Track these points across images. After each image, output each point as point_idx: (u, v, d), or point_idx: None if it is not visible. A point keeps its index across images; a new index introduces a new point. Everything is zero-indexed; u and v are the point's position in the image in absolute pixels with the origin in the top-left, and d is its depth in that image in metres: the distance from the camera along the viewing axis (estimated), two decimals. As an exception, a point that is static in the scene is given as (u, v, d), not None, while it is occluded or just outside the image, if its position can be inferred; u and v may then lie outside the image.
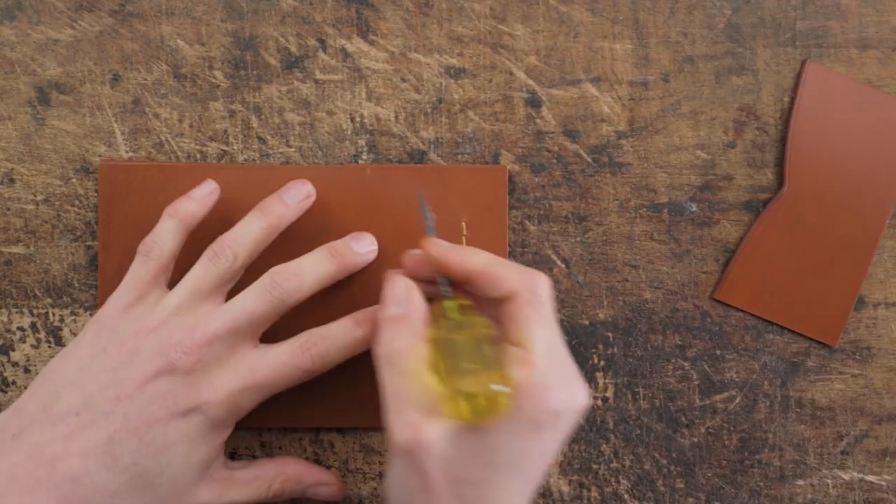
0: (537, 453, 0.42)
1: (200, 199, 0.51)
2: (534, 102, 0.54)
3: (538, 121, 0.54)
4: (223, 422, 0.47)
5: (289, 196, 0.51)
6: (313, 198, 0.52)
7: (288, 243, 0.53)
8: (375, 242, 0.52)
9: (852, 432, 0.54)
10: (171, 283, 0.50)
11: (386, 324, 0.44)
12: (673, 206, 0.55)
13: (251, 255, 0.50)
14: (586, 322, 0.54)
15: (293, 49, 0.54)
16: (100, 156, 0.54)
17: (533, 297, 0.43)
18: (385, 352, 0.43)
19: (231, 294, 0.50)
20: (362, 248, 0.51)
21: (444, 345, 0.42)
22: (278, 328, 0.50)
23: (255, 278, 0.49)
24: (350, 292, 0.53)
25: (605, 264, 0.54)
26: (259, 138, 0.54)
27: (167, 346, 0.46)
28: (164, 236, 0.49)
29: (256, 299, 0.48)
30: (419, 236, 0.53)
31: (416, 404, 0.41)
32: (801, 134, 0.54)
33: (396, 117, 0.54)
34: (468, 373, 0.41)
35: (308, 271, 0.49)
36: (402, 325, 0.44)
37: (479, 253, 0.45)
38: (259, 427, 0.52)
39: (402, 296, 0.45)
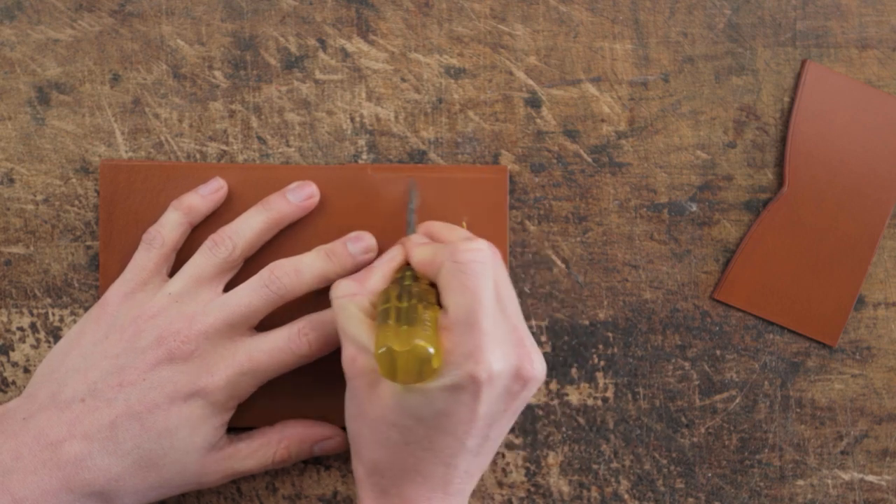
0: (463, 417, 0.43)
1: (207, 195, 0.52)
2: (534, 102, 0.55)
3: (538, 121, 0.54)
4: (224, 405, 0.48)
5: (293, 195, 0.52)
6: (317, 199, 0.53)
7: (288, 242, 0.53)
8: (374, 242, 0.52)
9: (852, 432, 0.54)
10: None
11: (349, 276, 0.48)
12: (673, 206, 0.55)
13: (251, 248, 0.51)
14: (586, 322, 0.54)
15: (293, 49, 0.54)
16: (100, 156, 0.54)
17: (452, 265, 0.44)
18: (334, 293, 0.47)
19: (231, 286, 0.51)
20: (360, 250, 0.52)
21: (385, 311, 0.44)
22: (276, 315, 0.50)
23: (254, 274, 0.50)
24: None
25: (605, 264, 0.54)
26: (259, 138, 0.54)
27: (166, 334, 0.48)
28: (168, 226, 0.51)
29: (254, 292, 0.49)
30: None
31: (353, 341, 0.45)
32: (801, 134, 0.54)
33: (396, 117, 0.54)
34: (400, 333, 0.42)
35: (308, 269, 0.50)
36: (357, 279, 0.47)
37: (425, 247, 0.47)
38: (259, 425, 0.52)
39: (376, 264, 0.48)
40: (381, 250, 0.53)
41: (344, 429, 0.53)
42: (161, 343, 0.48)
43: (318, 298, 0.52)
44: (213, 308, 0.48)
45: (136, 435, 0.47)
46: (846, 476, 0.54)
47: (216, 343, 0.48)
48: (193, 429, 0.48)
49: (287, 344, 0.49)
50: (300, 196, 0.52)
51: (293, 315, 0.51)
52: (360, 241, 0.52)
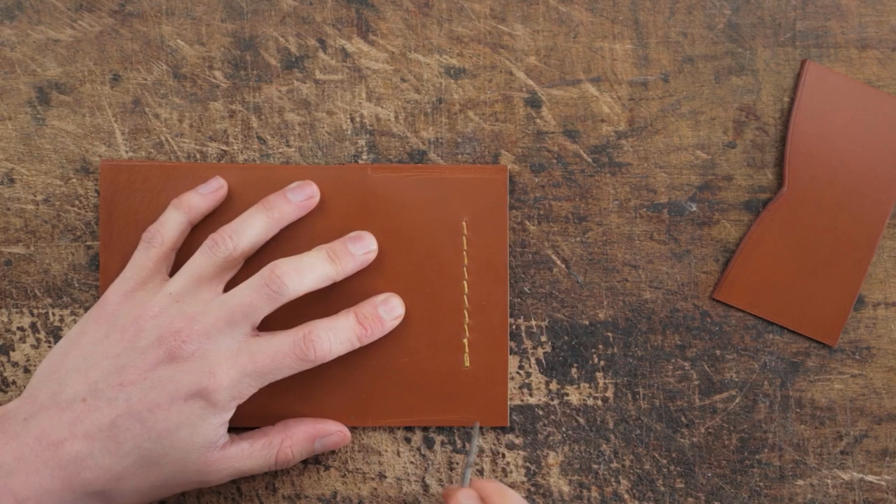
0: None
1: (207, 194, 0.52)
2: (534, 102, 0.55)
3: (538, 121, 0.54)
4: (224, 406, 0.48)
5: (294, 194, 0.52)
6: (317, 199, 0.53)
7: (288, 242, 0.53)
8: (375, 242, 0.52)
9: (852, 432, 0.54)
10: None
11: None
12: (673, 206, 0.55)
13: (251, 247, 0.51)
14: (586, 322, 0.54)
15: (293, 49, 0.54)
16: (100, 156, 0.54)
17: None
18: None
19: (231, 286, 0.51)
20: (361, 250, 0.52)
21: None
22: (277, 316, 0.50)
23: (254, 274, 0.50)
24: (350, 286, 0.53)
25: (605, 264, 0.54)
26: (259, 138, 0.54)
27: (167, 334, 0.48)
28: (168, 225, 0.51)
29: (254, 291, 0.49)
30: (418, 238, 0.53)
31: None
32: (800, 134, 0.54)
33: (396, 117, 0.54)
34: None
35: (309, 269, 0.50)
36: None
37: None
38: (260, 425, 0.52)
39: None
40: (381, 250, 0.53)
41: (346, 427, 0.53)
42: (162, 342, 0.47)
43: (320, 299, 0.52)
44: (213, 307, 0.48)
45: (137, 435, 0.47)
46: (846, 476, 0.54)
47: (218, 342, 0.48)
48: (194, 428, 0.47)
49: (292, 348, 0.48)
50: (301, 196, 0.52)
51: (298, 312, 0.51)
52: (361, 241, 0.52)
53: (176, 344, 0.47)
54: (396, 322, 0.52)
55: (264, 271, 0.49)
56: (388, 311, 0.52)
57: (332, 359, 0.50)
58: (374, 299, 0.52)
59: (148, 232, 0.51)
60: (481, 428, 0.54)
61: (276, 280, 0.49)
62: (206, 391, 0.47)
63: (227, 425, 0.49)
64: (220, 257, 0.50)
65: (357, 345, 0.51)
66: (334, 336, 0.49)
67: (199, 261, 0.50)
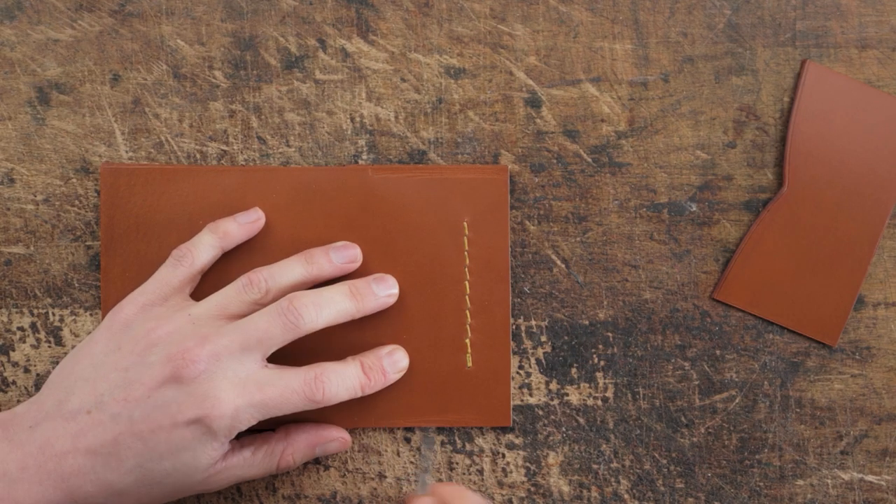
0: None
1: (244, 223, 0.52)
2: (534, 102, 0.55)
3: (538, 121, 0.54)
4: (225, 434, 0.47)
5: (337, 255, 0.52)
6: (358, 263, 0.52)
7: (290, 241, 0.53)
8: (397, 286, 0.52)
9: (852, 432, 0.54)
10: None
11: None
12: (673, 206, 0.55)
13: (283, 294, 0.50)
14: (586, 322, 0.54)
15: (293, 49, 0.54)
16: (100, 156, 0.54)
17: None
18: None
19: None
20: (384, 291, 0.52)
21: None
22: (285, 348, 0.50)
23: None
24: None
25: (605, 264, 0.54)
26: (259, 138, 0.54)
27: (176, 352, 0.47)
28: (200, 248, 0.51)
29: (271, 320, 0.48)
30: (419, 238, 0.53)
31: None
32: (800, 134, 0.54)
33: (396, 117, 0.54)
34: None
35: (327, 304, 0.49)
36: None
37: None
38: (261, 429, 0.52)
39: None
40: (381, 251, 0.53)
41: (345, 429, 0.53)
42: (170, 360, 0.47)
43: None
44: (227, 330, 0.48)
45: (139, 454, 0.46)
46: (846, 476, 0.54)
47: (226, 367, 0.47)
48: (194, 453, 0.47)
49: (301, 386, 0.48)
50: (343, 258, 0.52)
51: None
52: (385, 282, 0.52)
53: (183, 363, 0.46)
54: (399, 376, 0.53)
55: (282, 301, 0.48)
56: (392, 363, 0.52)
57: (335, 404, 0.50)
58: (380, 350, 0.52)
59: (179, 250, 0.51)
60: (433, 434, 0.54)
61: (294, 311, 0.48)
62: (208, 419, 0.46)
63: (227, 445, 0.49)
64: (250, 298, 0.50)
65: (360, 394, 0.50)
66: (341, 382, 0.49)
67: (230, 295, 0.50)
